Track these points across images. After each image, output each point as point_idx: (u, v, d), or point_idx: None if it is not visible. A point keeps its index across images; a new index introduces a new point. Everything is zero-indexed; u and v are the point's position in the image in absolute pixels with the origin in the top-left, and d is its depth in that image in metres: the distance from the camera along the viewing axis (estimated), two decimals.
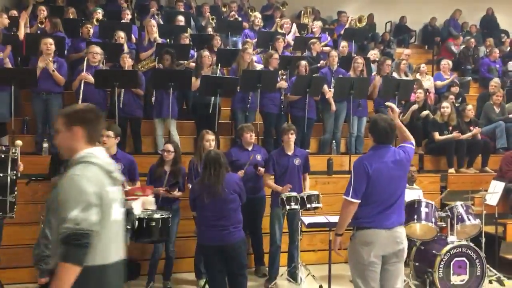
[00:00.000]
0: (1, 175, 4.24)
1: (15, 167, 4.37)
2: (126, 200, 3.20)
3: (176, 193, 5.24)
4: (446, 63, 9.78)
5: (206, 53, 7.03)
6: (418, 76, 9.14)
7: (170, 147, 5.34)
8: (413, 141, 3.91)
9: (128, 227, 3.47)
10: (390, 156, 3.66)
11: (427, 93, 8.24)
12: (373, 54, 9.48)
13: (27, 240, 5.54)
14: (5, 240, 4.90)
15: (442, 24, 14.05)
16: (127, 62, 6.74)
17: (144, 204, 3.29)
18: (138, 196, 3.27)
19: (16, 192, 4.36)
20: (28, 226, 5.51)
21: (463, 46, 12.00)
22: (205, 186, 4.28)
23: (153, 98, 6.66)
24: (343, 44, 9.10)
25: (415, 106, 7.62)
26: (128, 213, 3.24)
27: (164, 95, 6.57)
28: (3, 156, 4.31)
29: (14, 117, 6.18)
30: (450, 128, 7.47)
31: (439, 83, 9.38)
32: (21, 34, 7.37)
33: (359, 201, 3.61)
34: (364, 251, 3.61)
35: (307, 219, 4.95)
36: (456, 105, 8.41)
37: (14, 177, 4.32)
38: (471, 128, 7.69)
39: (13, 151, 4.41)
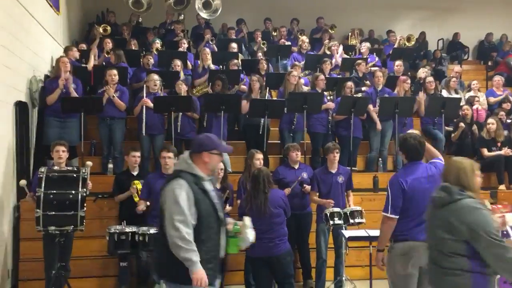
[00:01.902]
0: (73, 192, 4.79)
1: (85, 185, 4.91)
2: None
3: (227, 207, 5.64)
4: (499, 79, 9.69)
5: (254, 77, 7.47)
6: (472, 93, 9.13)
7: (221, 165, 5.76)
8: (441, 157, 4.08)
9: None
10: (422, 172, 3.86)
11: (474, 110, 8.22)
12: (423, 72, 9.50)
13: (94, 252, 6.12)
14: (74, 252, 5.43)
15: (499, 39, 13.80)
16: (182, 89, 7.28)
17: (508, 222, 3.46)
18: (503, 213, 3.47)
19: (85, 208, 4.91)
20: (95, 240, 6.07)
21: None
22: (251, 202, 4.64)
23: (205, 121, 7.10)
24: (398, 63, 9.10)
25: (462, 125, 7.66)
26: None
27: (214, 118, 7.04)
28: (75, 175, 4.88)
29: (83, 141, 6.84)
30: (499, 144, 7.42)
31: (491, 99, 9.31)
32: (90, 65, 8.16)
33: (398, 216, 3.82)
34: (401, 263, 3.80)
35: (347, 233, 5.17)
36: (508, 121, 8.34)
37: (84, 194, 4.86)
38: None
39: (83, 171, 4.97)
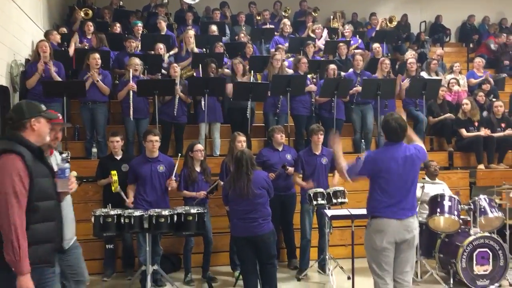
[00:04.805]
0: None
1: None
2: None
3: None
4: (480, 60, 9.85)
5: (236, 60, 7.48)
6: (452, 75, 9.26)
7: (201, 146, 5.78)
8: (421, 144, 4.25)
9: None
10: (400, 152, 3.97)
11: (455, 91, 8.37)
12: (411, 54, 9.47)
13: (79, 235, 5.93)
14: None
15: (480, 22, 13.94)
16: (177, 71, 7.24)
17: None
18: None
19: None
20: (80, 223, 6.00)
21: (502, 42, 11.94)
22: (234, 184, 4.70)
23: (203, 103, 7.04)
24: (376, 45, 9.30)
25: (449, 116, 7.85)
26: None
27: (210, 101, 7.04)
28: None
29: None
30: (476, 124, 7.57)
31: (472, 80, 9.45)
32: (71, 50, 8.06)
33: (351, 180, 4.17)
34: (377, 238, 3.93)
35: (330, 212, 5.27)
36: (493, 101, 8.49)
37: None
38: (503, 125, 7.75)
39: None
